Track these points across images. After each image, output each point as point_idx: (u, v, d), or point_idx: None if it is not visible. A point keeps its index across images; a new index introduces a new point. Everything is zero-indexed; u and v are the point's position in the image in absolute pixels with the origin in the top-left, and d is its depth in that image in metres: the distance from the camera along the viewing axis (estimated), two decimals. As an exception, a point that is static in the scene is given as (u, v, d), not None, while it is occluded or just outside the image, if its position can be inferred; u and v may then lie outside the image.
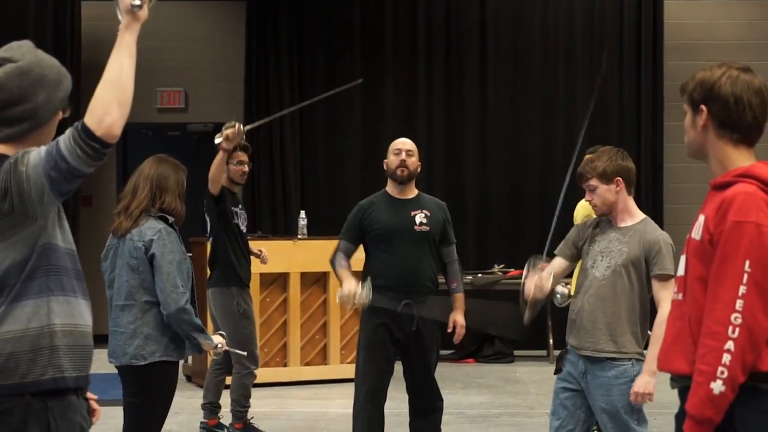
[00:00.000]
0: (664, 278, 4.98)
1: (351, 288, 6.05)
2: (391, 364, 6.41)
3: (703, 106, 3.33)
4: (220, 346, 5.46)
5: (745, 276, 3.09)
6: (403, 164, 6.47)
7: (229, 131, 7.44)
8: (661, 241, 5.04)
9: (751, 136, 3.34)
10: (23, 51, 3.25)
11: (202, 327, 5.29)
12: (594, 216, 7.10)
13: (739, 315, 3.06)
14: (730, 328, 3.05)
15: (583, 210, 7.74)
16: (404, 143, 6.58)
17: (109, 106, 2.96)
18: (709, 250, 3.22)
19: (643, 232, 5.09)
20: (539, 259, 5.29)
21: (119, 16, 3.11)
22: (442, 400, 6.57)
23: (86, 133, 2.94)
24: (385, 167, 6.57)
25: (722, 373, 3.05)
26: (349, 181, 12.86)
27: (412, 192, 6.56)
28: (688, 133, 3.43)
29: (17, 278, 3.13)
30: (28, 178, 3.04)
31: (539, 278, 5.12)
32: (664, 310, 4.87)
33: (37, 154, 3.04)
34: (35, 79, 3.20)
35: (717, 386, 3.06)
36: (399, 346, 6.38)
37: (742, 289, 3.07)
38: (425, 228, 6.43)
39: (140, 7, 3.08)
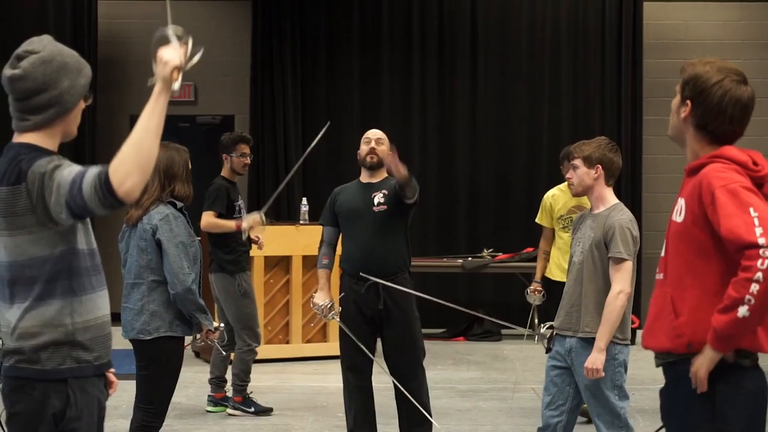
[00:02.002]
0: (616, 261, 5.00)
1: (321, 303, 6.33)
2: (368, 339, 6.31)
3: (689, 102, 3.32)
4: (222, 327, 5.47)
5: (756, 219, 3.11)
6: (372, 152, 6.42)
7: (256, 228, 7.33)
8: (616, 225, 5.03)
9: (726, 140, 3.34)
10: (44, 43, 3.24)
11: (204, 308, 5.31)
12: (556, 209, 7.38)
13: (766, 248, 3.08)
14: (760, 261, 3.07)
15: (550, 199, 7.72)
16: (374, 133, 6.54)
17: (132, 170, 2.91)
18: (694, 230, 3.23)
19: (606, 217, 5.11)
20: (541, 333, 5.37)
21: (153, 69, 3.04)
22: (420, 380, 6.39)
23: (107, 187, 2.91)
24: (357, 156, 6.54)
25: (749, 300, 3.08)
26: (348, 170, 12.78)
27: (381, 177, 6.49)
28: (672, 115, 3.42)
29: (39, 276, 3.15)
30: (50, 194, 3.04)
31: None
32: (613, 291, 4.97)
33: (66, 176, 3.02)
34: (58, 67, 3.19)
35: (743, 311, 3.09)
36: (372, 324, 6.35)
37: (758, 230, 3.10)
38: (383, 207, 6.31)
39: (177, 92, 3.05)
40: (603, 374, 4.92)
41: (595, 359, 4.91)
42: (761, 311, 3.09)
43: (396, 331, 6.32)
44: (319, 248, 6.53)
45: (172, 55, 3.02)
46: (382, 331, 6.36)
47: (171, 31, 3.06)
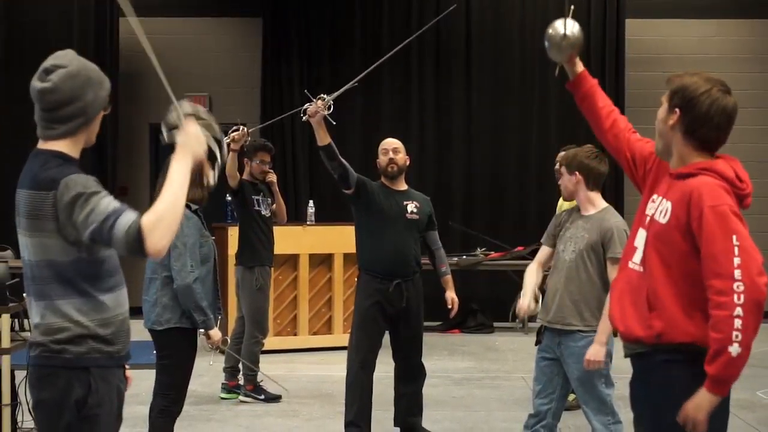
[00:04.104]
0: (615, 261, 4.96)
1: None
2: (381, 337, 6.36)
3: (677, 110, 3.29)
4: (217, 338, 5.39)
5: (736, 249, 3.06)
6: (392, 161, 6.47)
7: (235, 134, 7.58)
8: (614, 228, 5.04)
9: (712, 146, 3.30)
10: (69, 57, 3.25)
11: (202, 308, 5.25)
12: (566, 207, 7.22)
13: (740, 283, 3.03)
14: (735, 296, 3.02)
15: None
16: (390, 143, 6.56)
17: (166, 233, 2.98)
18: (675, 235, 3.20)
19: (602, 220, 5.10)
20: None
21: (165, 133, 3.15)
22: (425, 372, 6.53)
23: (139, 241, 2.95)
24: (377, 166, 6.57)
25: (737, 336, 3.01)
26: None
27: (403, 185, 6.55)
28: (658, 123, 3.36)
29: (60, 274, 3.14)
30: (80, 213, 3.04)
31: (528, 303, 5.05)
32: None
33: (103, 207, 3.03)
34: (83, 81, 3.21)
35: (734, 349, 3.02)
36: (389, 321, 6.35)
37: (737, 261, 3.05)
38: (415, 217, 6.42)
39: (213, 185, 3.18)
40: (603, 365, 4.91)
41: (597, 352, 4.87)
42: (749, 342, 3.03)
43: (412, 327, 6.40)
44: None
45: (203, 142, 3.17)
46: (396, 328, 6.39)
47: (188, 110, 3.20)
